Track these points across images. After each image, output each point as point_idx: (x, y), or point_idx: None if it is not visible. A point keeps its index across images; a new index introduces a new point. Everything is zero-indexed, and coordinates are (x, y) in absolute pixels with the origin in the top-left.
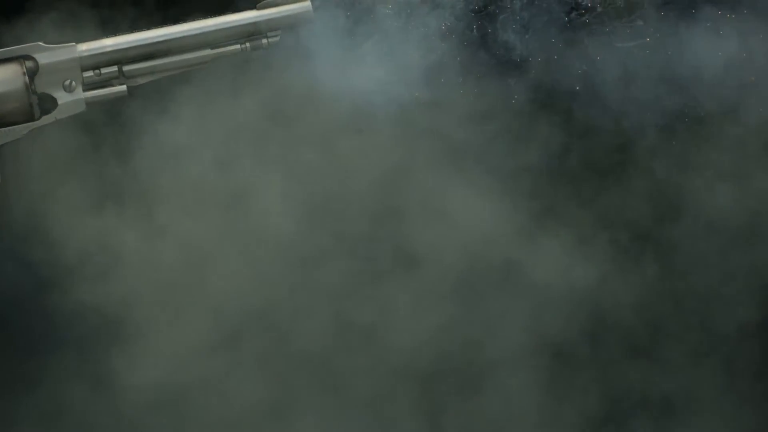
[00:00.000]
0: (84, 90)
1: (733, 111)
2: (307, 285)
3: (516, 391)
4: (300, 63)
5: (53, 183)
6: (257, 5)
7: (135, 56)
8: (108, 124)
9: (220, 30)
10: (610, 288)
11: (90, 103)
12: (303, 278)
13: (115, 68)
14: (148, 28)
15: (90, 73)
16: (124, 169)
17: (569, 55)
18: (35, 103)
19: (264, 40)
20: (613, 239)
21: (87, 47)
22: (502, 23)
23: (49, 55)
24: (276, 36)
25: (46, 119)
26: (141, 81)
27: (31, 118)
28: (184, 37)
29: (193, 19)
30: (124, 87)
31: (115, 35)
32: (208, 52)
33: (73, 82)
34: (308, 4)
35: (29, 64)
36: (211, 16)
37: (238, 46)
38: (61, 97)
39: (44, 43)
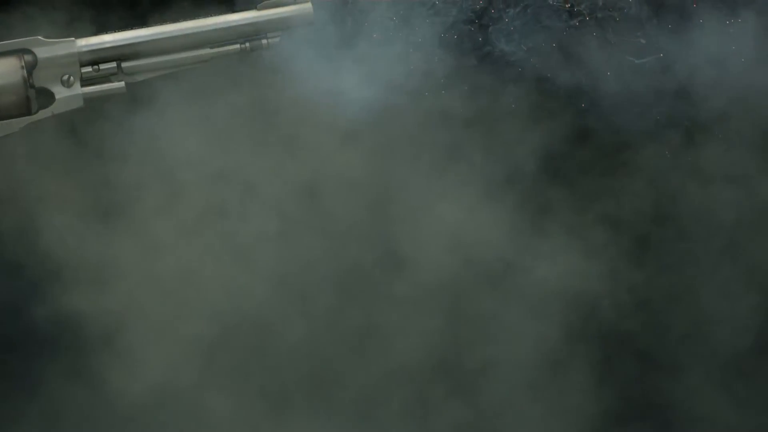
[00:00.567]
0: (82, 86)
1: (731, 114)
2: (298, 291)
3: (512, 393)
4: (290, 72)
5: (44, 188)
6: (258, 5)
7: (134, 53)
8: (93, 130)
9: (219, 29)
10: (608, 289)
11: (87, 99)
12: (295, 284)
13: (113, 64)
14: (147, 25)
15: (88, 69)
16: (112, 177)
17: (563, 57)
18: (33, 97)
19: (264, 41)
20: (610, 241)
21: (86, 43)
22: (495, 24)
23: (48, 49)
24: (276, 37)
25: (42, 114)
26: (139, 78)
27: (28, 112)
28: (183, 36)
29: (193, 18)
30: (122, 83)
31: (115, 31)
32: (207, 51)
33: (71, 78)
34: (309, 5)
35: (28, 57)
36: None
37: (237, 46)
38: (59, 92)
39: (43, 37)
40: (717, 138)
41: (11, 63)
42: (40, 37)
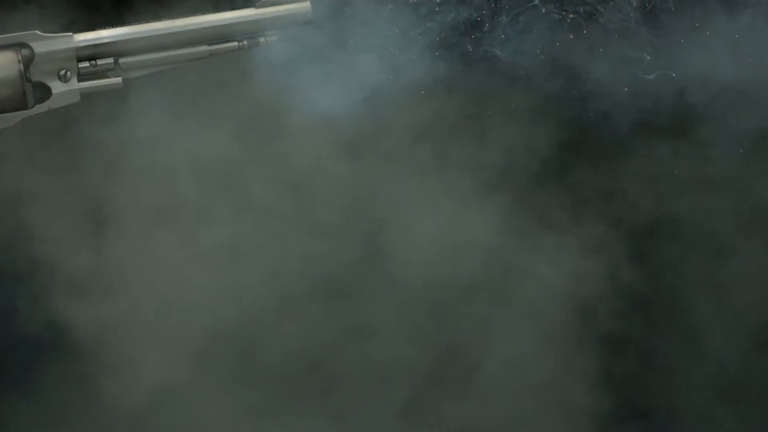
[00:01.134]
0: (79, 80)
1: (728, 114)
2: (291, 294)
3: (511, 393)
4: (280, 73)
5: (37, 193)
6: (256, 4)
7: (131, 49)
8: (86, 135)
9: (218, 27)
10: (606, 290)
11: (84, 94)
12: (287, 286)
13: (111, 60)
14: (145, 21)
15: (86, 64)
16: (106, 182)
17: (559, 57)
18: (29, 92)
19: (262, 39)
20: (607, 242)
21: (84, 38)
22: (489, 27)
23: (46, 44)
24: (274, 35)
25: (39, 108)
26: (136, 74)
27: (24, 107)
28: (181, 32)
29: (192, 15)
30: (119, 79)
31: (113, 26)
32: (205, 48)
33: (68, 72)
34: (308, 4)
35: (25, 52)
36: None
37: (235, 44)
38: (56, 86)
39: (41, 32)
40: (715, 139)
41: (8, 57)
42: (37, 32)
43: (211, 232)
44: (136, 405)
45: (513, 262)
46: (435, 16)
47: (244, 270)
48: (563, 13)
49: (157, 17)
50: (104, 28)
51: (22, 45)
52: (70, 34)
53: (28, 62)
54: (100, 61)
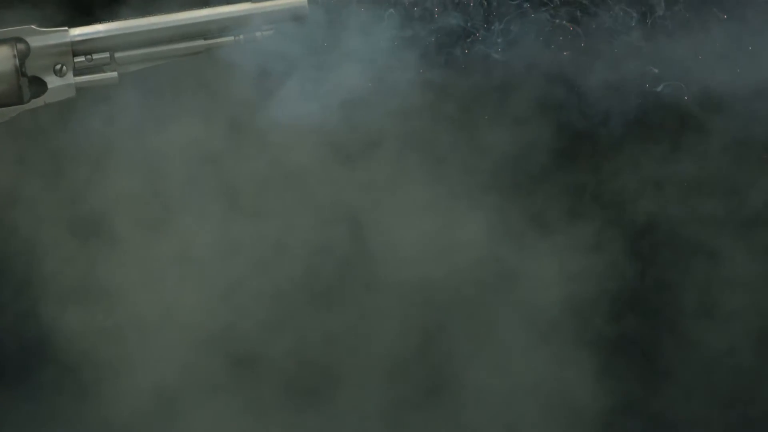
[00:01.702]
0: (75, 75)
1: (723, 117)
2: (282, 299)
3: (504, 397)
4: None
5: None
6: None
7: (127, 43)
8: (75, 141)
9: (214, 21)
10: (605, 290)
11: (80, 89)
12: (277, 295)
13: (106, 54)
14: (141, 15)
15: (81, 59)
16: (96, 189)
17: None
18: (25, 86)
19: (258, 33)
20: (604, 242)
21: (79, 32)
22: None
23: (41, 38)
24: (270, 29)
25: (35, 103)
26: (132, 68)
27: (20, 101)
28: (177, 27)
29: (188, 9)
30: (115, 74)
31: (109, 21)
32: (201, 42)
33: (64, 67)
34: None
35: (20, 46)
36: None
37: (231, 38)
38: (52, 81)
39: (36, 26)
40: (709, 141)
41: (3, 52)
42: (33, 26)
43: (202, 234)
44: (132, 409)
45: (506, 264)
46: (428, 18)
47: (236, 270)
48: (555, 20)
49: (153, 11)
50: (100, 23)
51: (17, 39)
52: (66, 28)
53: (23, 57)
54: (95, 56)
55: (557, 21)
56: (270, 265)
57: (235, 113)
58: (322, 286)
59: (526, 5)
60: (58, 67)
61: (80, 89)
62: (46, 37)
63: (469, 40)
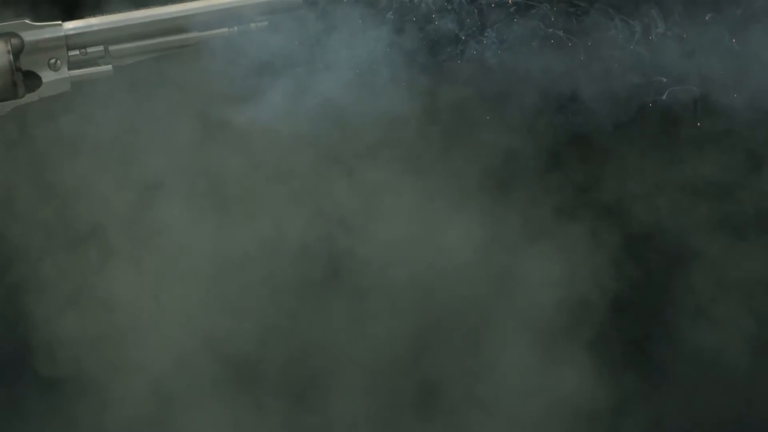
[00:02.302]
0: (69, 69)
1: (718, 119)
2: (272, 306)
3: (509, 393)
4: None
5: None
6: None
7: (121, 36)
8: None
9: (207, 13)
10: (603, 291)
11: (75, 83)
12: (269, 300)
13: (101, 48)
14: (135, 8)
15: (76, 52)
16: (84, 197)
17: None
18: (19, 81)
19: (252, 25)
20: (602, 242)
21: (73, 26)
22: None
23: (35, 33)
24: (264, 21)
25: (30, 97)
26: (127, 61)
27: (14, 96)
28: (171, 19)
29: (182, 2)
30: (109, 67)
31: (102, 14)
32: (195, 34)
33: (59, 61)
34: None
35: (14, 41)
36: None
37: (225, 30)
38: (46, 75)
39: (30, 21)
40: (712, 139)
41: None
42: (26, 21)
43: (194, 239)
44: (128, 413)
45: (499, 266)
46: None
47: (226, 275)
48: (549, 29)
49: (147, 4)
50: (93, 16)
51: (11, 34)
52: (60, 22)
53: (17, 51)
54: (90, 49)
55: (550, 30)
56: (261, 269)
57: (224, 115)
58: (314, 290)
59: (513, 8)
60: (53, 61)
61: (75, 83)
62: (39, 32)
63: (460, 45)
